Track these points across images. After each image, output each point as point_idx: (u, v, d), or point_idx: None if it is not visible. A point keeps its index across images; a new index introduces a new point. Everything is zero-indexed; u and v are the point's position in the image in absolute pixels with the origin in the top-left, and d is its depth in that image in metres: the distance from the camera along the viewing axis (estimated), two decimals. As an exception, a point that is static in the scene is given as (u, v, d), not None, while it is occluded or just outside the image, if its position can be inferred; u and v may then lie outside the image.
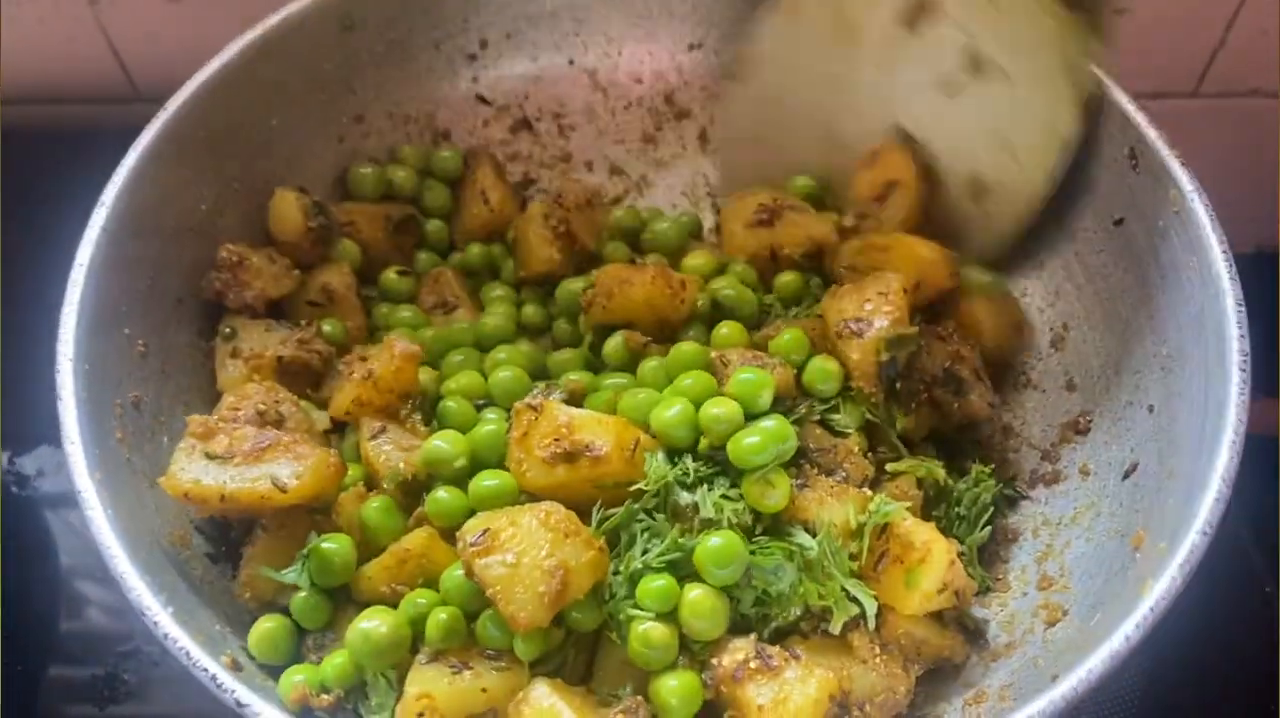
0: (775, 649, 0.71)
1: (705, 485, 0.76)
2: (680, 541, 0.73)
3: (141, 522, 0.74)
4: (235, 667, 0.69)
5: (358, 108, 1.01)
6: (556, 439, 0.73)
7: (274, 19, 0.93)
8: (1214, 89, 1.20)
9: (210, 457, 0.73)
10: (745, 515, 0.75)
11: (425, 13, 1.00)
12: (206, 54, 0.90)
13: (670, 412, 0.77)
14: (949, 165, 0.95)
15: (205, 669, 0.63)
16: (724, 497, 0.75)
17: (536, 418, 0.75)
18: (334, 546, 0.74)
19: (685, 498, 0.75)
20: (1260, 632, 1.02)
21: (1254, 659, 1.01)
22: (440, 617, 0.70)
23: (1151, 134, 0.85)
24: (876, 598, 0.75)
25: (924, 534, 0.76)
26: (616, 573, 0.73)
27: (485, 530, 0.69)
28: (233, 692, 0.62)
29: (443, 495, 0.76)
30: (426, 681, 0.68)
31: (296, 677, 0.70)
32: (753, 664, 0.69)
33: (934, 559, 0.74)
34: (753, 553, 0.73)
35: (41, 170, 1.13)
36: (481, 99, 1.07)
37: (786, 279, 0.94)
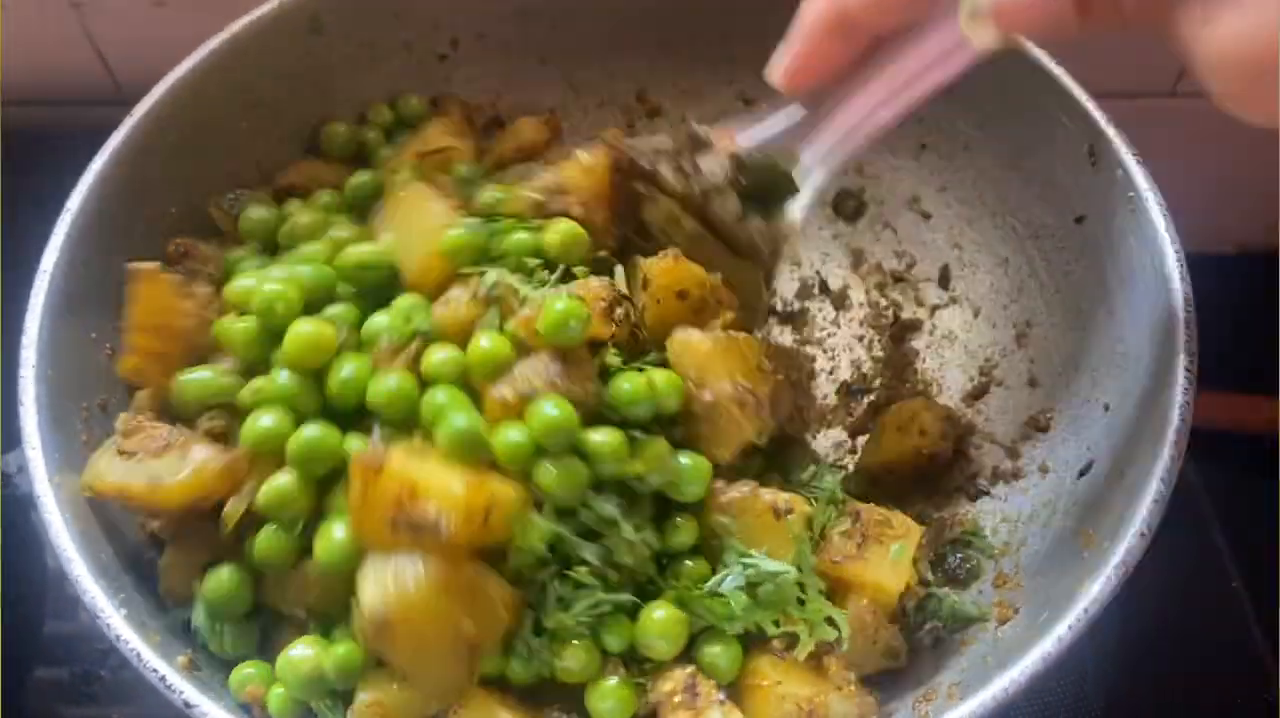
0: (707, 687, 0.71)
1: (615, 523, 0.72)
2: (603, 596, 0.71)
3: (104, 524, 0.76)
4: (193, 667, 0.71)
5: (328, 110, 1.02)
6: (398, 509, 0.64)
7: (240, 22, 0.94)
8: (1191, 88, 1.19)
9: (121, 453, 0.74)
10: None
11: (395, 15, 1.01)
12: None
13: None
14: None
15: (155, 670, 0.65)
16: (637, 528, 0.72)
17: (376, 478, 0.65)
18: (219, 580, 0.73)
19: (590, 552, 0.71)
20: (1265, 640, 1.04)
21: (1248, 672, 1.02)
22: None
23: (1110, 132, 0.85)
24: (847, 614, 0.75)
25: (891, 512, 0.80)
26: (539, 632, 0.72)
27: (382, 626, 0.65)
28: (181, 692, 0.64)
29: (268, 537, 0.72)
30: (378, 687, 0.69)
31: (247, 670, 0.72)
32: (678, 698, 0.70)
33: (913, 531, 0.78)
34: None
35: (26, 171, 1.15)
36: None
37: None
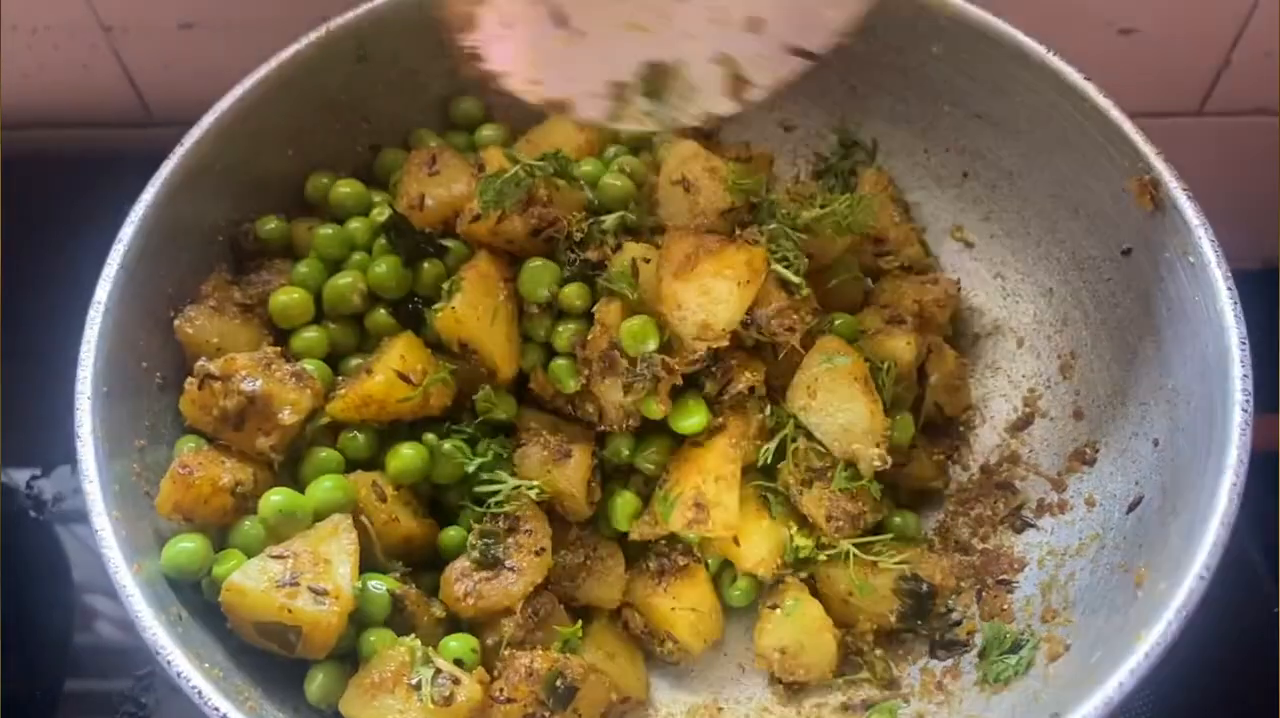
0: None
1: None
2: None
3: (155, 556, 0.76)
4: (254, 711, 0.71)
5: (373, 137, 1.02)
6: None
7: (288, 51, 0.94)
8: (1218, 108, 1.20)
9: None
10: None
11: (438, 42, 1.01)
12: (221, 79, 0.92)
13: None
14: None
15: (217, 709, 0.65)
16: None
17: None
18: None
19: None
20: (1266, 647, 1.02)
21: (1259, 677, 1.01)
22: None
23: (1159, 165, 0.85)
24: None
25: None
26: None
27: None
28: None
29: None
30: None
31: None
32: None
33: None
34: None
35: (58, 193, 1.15)
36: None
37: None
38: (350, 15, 0.96)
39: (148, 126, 1.27)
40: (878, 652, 0.87)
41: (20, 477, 1.07)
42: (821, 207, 0.91)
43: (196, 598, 0.77)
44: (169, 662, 0.67)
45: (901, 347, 0.91)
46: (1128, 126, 0.87)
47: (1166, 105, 1.21)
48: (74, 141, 1.27)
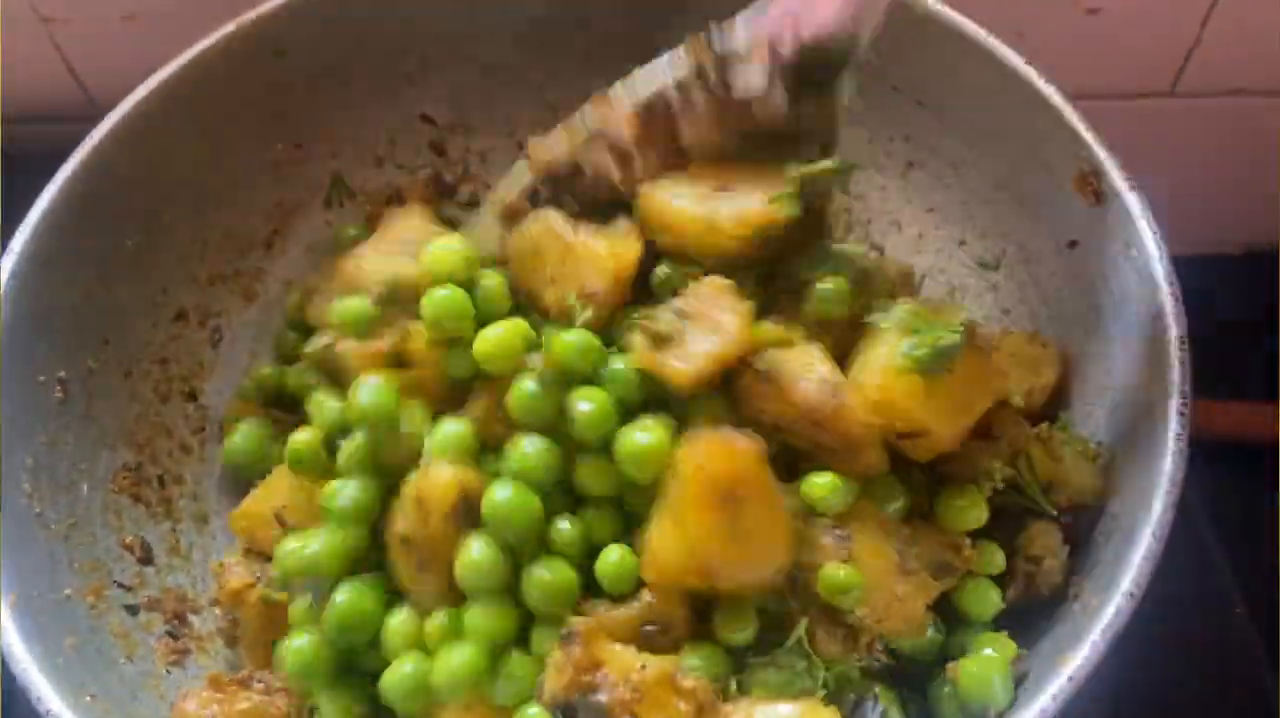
0: None
1: None
2: None
3: (47, 581, 0.73)
4: None
5: (294, 135, 0.98)
6: None
7: (200, 46, 0.90)
8: (1190, 88, 1.16)
9: None
10: None
11: (360, 37, 0.97)
12: (165, 70, 0.89)
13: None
14: None
15: None
16: None
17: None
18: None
19: None
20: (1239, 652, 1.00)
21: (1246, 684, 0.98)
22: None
23: (1103, 155, 0.81)
24: None
25: None
26: None
27: None
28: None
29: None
30: None
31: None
32: None
33: None
34: None
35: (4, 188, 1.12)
36: (425, 118, 1.04)
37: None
38: (266, 8, 0.93)
39: (93, 120, 1.23)
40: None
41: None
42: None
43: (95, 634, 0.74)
44: (38, 697, 0.63)
45: None
46: (1070, 114, 0.83)
47: (1137, 86, 1.17)
48: (15, 137, 1.24)
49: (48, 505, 0.77)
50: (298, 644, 0.71)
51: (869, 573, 0.70)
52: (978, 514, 0.76)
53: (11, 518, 0.72)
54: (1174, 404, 0.70)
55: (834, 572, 0.69)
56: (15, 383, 0.78)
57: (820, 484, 0.71)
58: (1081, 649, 0.63)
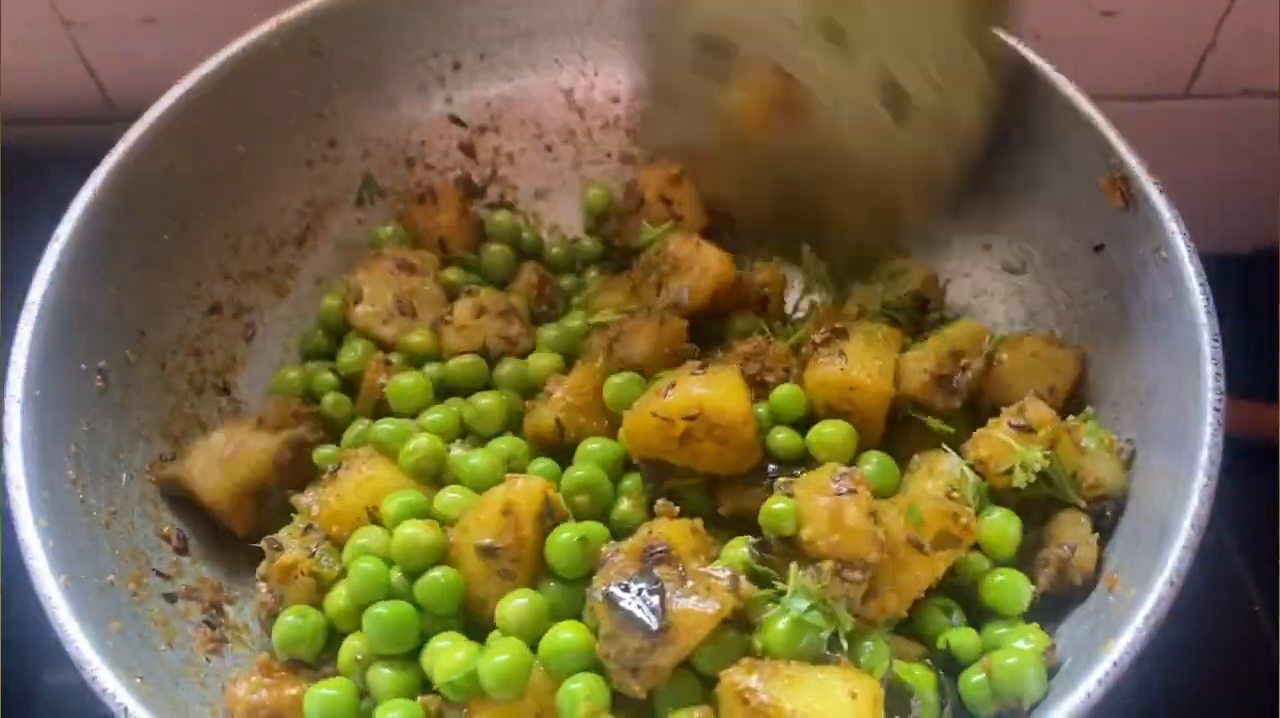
0: None
1: None
2: None
3: (93, 565, 0.73)
4: None
5: (328, 133, 1.00)
6: None
7: (239, 44, 0.92)
8: (1205, 90, 1.18)
9: None
10: None
11: (395, 36, 0.99)
12: (184, 72, 0.89)
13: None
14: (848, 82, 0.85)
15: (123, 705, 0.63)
16: None
17: None
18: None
19: None
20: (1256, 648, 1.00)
21: (1248, 677, 0.99)
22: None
23: (1131, 161, 0.82)
24: None
25: None
26: None
27: None
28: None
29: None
30: None
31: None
32: None
33: None
34: None
35: (19, 192, 1.12)
36: (455, 120, 1.05)
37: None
38: (304, 8, 0.94)
39: (111, 122, 1.23)
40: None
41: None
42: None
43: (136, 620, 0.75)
44: (93, 677, 0.64)
45: None
46: (1098, 120, 0.84)
47: (1152, 89, 1.18)
48: (35, 139, 1.24)
49: (90, 493, 0.77)
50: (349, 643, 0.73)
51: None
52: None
53: (59, 502, 0.73)
54: (1209, 399, 0.71)
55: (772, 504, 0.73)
56: (59, 371, 0.78)
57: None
58: (1125, 636, 0.64)
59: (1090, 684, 0.62)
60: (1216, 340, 0.74)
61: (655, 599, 0.66)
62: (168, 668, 0.73)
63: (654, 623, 0.65)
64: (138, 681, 0.67)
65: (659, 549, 0.69)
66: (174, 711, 0.69)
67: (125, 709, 0.63)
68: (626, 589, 0.67)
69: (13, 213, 1.12)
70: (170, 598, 0.79)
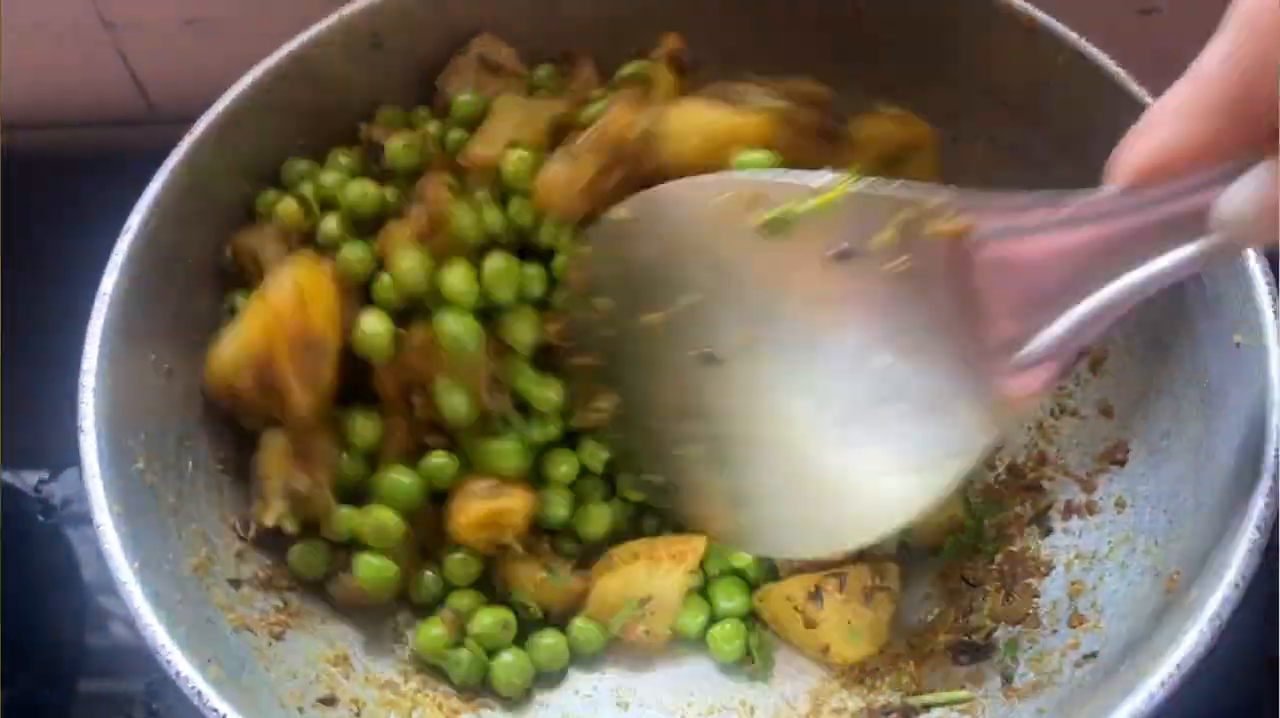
0: None
1: None
2: None
3: (162, 551, 0.75)
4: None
5: (385, 128, 1.00)
6: None
7: (302, 38, 0.92)
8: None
9: None
10: None
11: (452, 28, 0.99)
12: (226, 75, 0.90)
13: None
14: None
15: (215, 710, 0.64)
16: None
17: None
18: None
19: None
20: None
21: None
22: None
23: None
24: None
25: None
26: None
27: None
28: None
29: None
30: None
31: None
32: None
33: None
34: None
35: (59, 193, 1.14)
36: (512, 114, 1.06)
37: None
38: (365, 1, 0.95)
39: (151, 124, 1.25)
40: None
41: (29, 480, 1.06)
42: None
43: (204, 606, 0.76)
44: (169, 661, 0.65)
45: None
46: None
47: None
48: (76, 140, 1.26)
49: (158, 479, 0.79)
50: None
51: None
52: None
53: (130, 488, 0.74)
54: (1275, 398, 0.71)
55: None
56: (128, 360, 0.80)
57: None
58: (1188, 637, 0.63)
59: (1153, 686, 0.62)
60: (1279, 349, 0.73)
61: None
62: (234, 653, 0.75)
63: None
64: (209, 663, 0.68)
65: None
66: (241, 694, 0.70)
67: (199, 693, 0.64)
68: None
69: (54, 214, 1.14)
70: (235, 583, 0.81)
